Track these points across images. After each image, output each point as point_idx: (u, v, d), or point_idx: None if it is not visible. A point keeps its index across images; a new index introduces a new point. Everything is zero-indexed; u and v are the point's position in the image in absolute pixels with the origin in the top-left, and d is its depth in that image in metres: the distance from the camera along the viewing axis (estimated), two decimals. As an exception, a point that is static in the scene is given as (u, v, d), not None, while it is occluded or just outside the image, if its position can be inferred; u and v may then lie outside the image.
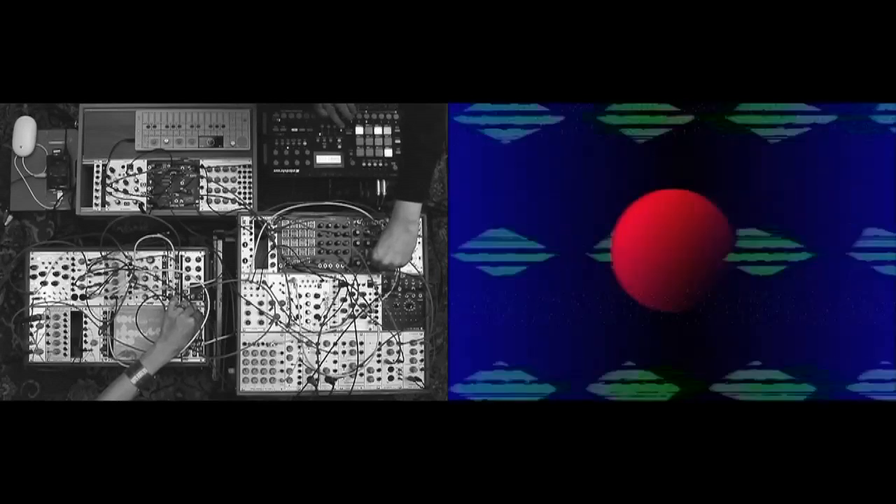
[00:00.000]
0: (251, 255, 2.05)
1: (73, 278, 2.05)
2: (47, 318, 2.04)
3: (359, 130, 2.12)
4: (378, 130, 2.13)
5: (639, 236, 1.92)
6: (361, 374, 2.04)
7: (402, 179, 1.98)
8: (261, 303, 2.03)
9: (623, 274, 1.92)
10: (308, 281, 2.05)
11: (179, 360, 2.03)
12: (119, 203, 2.08)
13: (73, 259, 2.05)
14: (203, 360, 2.04)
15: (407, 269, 2.06)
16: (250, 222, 2.06)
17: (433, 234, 2.17)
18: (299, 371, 2.03)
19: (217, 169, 2.10)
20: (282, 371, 2.03)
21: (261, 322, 2.03)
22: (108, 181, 2.08)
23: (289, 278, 2.04)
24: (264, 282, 2.04)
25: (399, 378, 2.05)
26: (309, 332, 2.03)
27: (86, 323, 2.04)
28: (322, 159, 2.12)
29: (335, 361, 2.04)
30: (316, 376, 2.01)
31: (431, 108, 1.83)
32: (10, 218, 2.15)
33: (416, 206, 1.93)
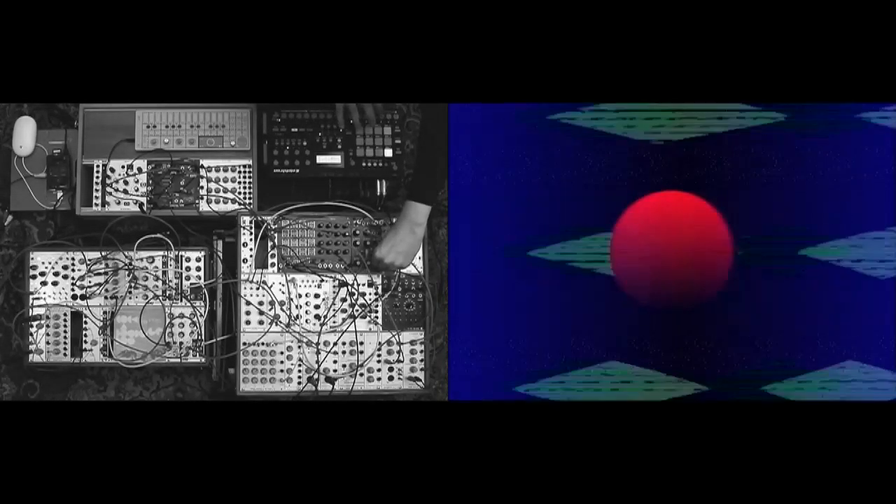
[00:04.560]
0: (251, 255, 2.05)
1: (73, 278, 2.05)
2: (47, 318, 2.04)
3: (359, 130, 2.12)
4: (378, 130, 2.13)
5: (638, 236, 1.92)
6: (361, 374, 2.04)
7: (415, 180, 1.96)
8: (261, 303, 2.03)
9: (622, 274, 1.92)
10: (308, 281, 2.05)
11: (179, 360, 2.03)
12: (119, 203, 2.08)
13: (73, 259, 2.05)
14: (203, 360, 2.04)
15: (407, 268, 2.06)
16: (250, 222, 2.06)
17: (433, 234, 2.17)
18: (299, 371, 2.03)
19: (217, 169, 2.10)
20: (282, 371, 2.03)
21: (261, 322, 2.03)
22: (108, 181, 2.08)
23: (289, 278, 2.05)
24: (264, 282, 2.04)
25: (399, 378, 2.05)
26: (309, 332, 2.03)
27: (86, 323, 2.04)
28: (322, 159, 2.12)
29: (335, 361, 2.04)
30: (316, 376, 2.01)
31: (445, 107, 1.82)
32: (10, 218, 2.15)
33: (426, 209, 1.92)
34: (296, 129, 2.12)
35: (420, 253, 2.05)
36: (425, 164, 1.90)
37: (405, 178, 2.15)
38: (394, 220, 2.00)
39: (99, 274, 2.05)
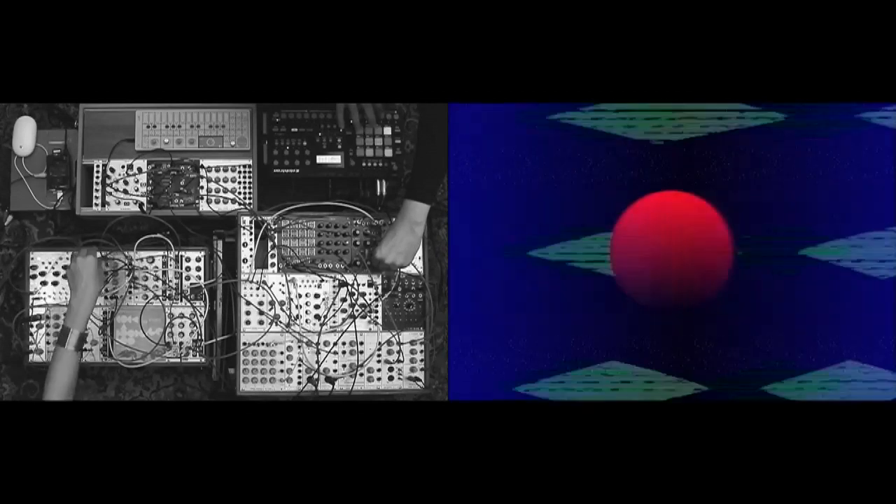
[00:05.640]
0: (251, 255, 2.05)
1: (73, 278, 2.05)
2: (47, 318, 2.04)
3: (359, 130, 2.12)
4: (378, 130, 2.13)
5: (638, 236, 1.92)
6: (361, 374, 2.04)
7: (414, 179, 1.96)
8: (261, 303, 2.03)
9: (622, 274, 1.92)
10: (308, 281, 2.05)
11: (179, 360, 2.03)
12: (119, 203, 2.08)
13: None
14: (203, 360, 2.04)
15: (407, 268, 2.06)
16: (250, 222, 2.06)
17: (433, 234, 2.17)
18: (299, 371, 2.03)
19: (217, 169, 2.10)
20: (282, 371, 2.03)
21: (261, 322, 2.03)
22: (108, 181, 2.08)
23: (289, 278, 2.05)
24: (264, 282, 2.04)
25: (399, 378, 2.05)
26: (309, 332, 2.03)
27: (86, 323, 2.04)
28: (322, 159, 2.12)
29: (335, 361, 2.04)
30: (316, 376, 2.01)
31: (445, 107, 1.82)
32: (10, 218, 2.15)
33: (424, 208, 1.92)
34: (296, 129, 2.12)
35: (420, 253, 2.05)
36: (424, 164, 1.90)
37: (405, 178, 2.15)
38: (393, 220, 2.00)
39: (99, 274, 2.04)
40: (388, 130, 2.13)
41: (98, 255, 1.96)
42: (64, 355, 1.85)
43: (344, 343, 2.04)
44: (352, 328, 2.04)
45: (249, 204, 2.09)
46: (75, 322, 1.87)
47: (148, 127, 2.11)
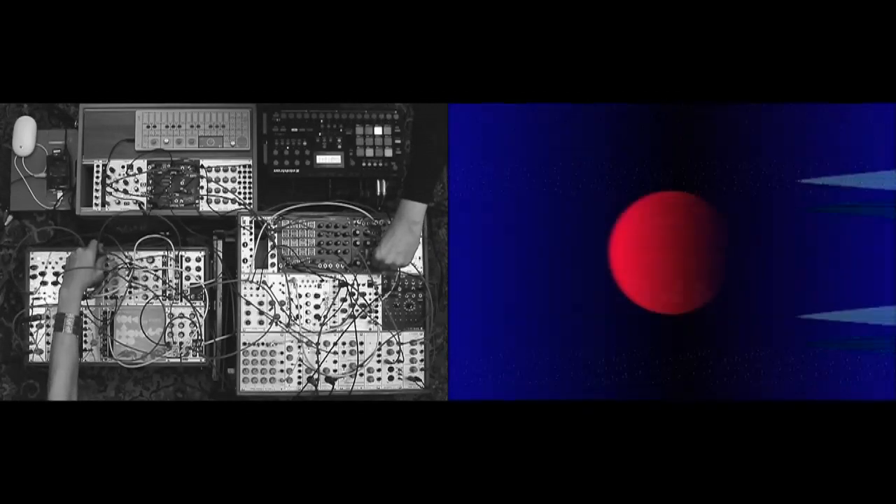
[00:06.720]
0: (251, 255, 2.05)
1: (73, 278, 2.04)
2: (47, 318, 2.04)
3: (359, 130, 2.12)
4: (378, 130, 2.13)
5: (638, 237, 1.92)
6: (361, 374, 2.04)
7: (410, 179, 1.96)
8: (261, 303, 2.03)
9: (622, 275, 1.92)
10: (308, 281, 2.05)
11: (179, 360, 2.03)
12: (119, 203, 2.08)
13: (73, 259, 2.05)
14: (203, 360, 2.04)
15: (407, 268, 2.06)
16: (250, 222, 2.06)
17: (433, 234, 2.17)
18: (299, 371, 2.03)
19: (217, 169, 2.10)
20: (282, 371, 2.03)
21: (261, 322, 2.03)
22: (108, 181, 2.08)
23: (289, 278, 2.05)
24: (264, 282, 2.04)
25: (399, 378, 2.05)
26: (309, 332, 2.03)
27: (86, 323, 2.03)
28: (322, 159, 2.12)
29: (335, 361, 2.04)
30: (316, 376, 2.01)
31: (444, 107, 1.82)
32: (10, 218, 2.15)
33: (422, 207, 1.92)
34: (296, 129, 2.12)
35: (420, 253, 2.05)
36: (419, 162, 1.91)
37: (404, 178, 2.15)
38: (391, 220, 2.00)
39: (99, 274, 2.04)
40: (388, 130, 2.13)
41: (98, 249, 1.98)
42: (65, 339, 1.87)
43: (344, 343, 2.04)
44: (352, 328, 2.04)
45: (249, 204, 2.09)
46: (69, 307, 1.91)
47: (148, 127, 2.11)
